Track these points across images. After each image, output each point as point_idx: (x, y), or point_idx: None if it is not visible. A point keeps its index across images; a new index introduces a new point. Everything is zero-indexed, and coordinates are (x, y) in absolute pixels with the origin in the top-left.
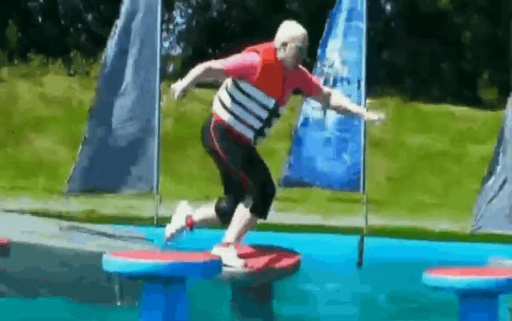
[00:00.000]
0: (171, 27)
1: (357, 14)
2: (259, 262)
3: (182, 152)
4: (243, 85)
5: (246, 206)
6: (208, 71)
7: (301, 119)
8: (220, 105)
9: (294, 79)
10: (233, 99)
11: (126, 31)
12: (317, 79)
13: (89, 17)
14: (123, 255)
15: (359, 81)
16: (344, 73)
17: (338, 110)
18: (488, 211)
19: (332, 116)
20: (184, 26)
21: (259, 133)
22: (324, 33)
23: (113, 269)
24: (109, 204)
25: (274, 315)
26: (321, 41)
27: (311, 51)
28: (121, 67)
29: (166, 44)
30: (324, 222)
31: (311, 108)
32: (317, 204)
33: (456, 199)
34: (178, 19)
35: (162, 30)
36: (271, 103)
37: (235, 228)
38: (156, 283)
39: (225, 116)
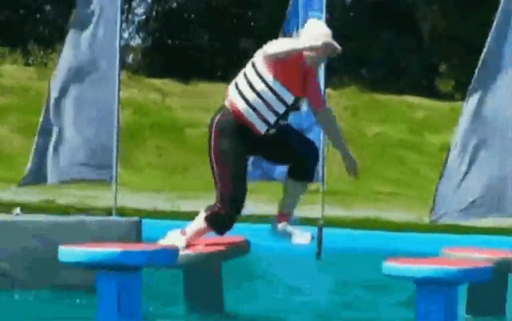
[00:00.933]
0: (130, 17)
1: (317, 3)
2: (206, 245)
3: (140, 143)
4: (265, 75)
5: (205, 211)
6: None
7: None
8: (237, 92)
9: (307, 75)
10: (252, 88)
11: (85, 20)
12: (318, 89)
13: (48, 7)
14: (78, 246)
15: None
16: None
17: (323, 130)
18: (447, 202)
19: None
20: (143, 16)
21: (273, 126)
22: (284, 23)
23: (68, 260)
24: (67, 194)
25: (224, 299)
26: (281, 30)
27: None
28: (79, 57)
29: (126, 34)
30: None
31: None
32: (277, 195)
33: (415, 189)
34: (138, 10)
35: (121, 20)
36: (290, 99)
37: (193, 227)
38: (109, 273)
39: (240, 104)
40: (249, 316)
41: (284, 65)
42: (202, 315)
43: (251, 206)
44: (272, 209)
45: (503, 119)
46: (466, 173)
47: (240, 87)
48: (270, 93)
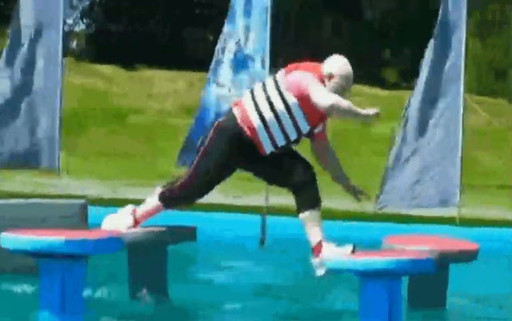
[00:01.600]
0: (75, 2)
1: None
2: (154, 227)
3: (85, 129)
4: (288, 97)
5: (162, 187)
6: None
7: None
8: (253, 105)
9: None
10: (271, 106)
11: (30, 6)
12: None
13: None
14: (19, 233)
15: (263, 60)
16: (248, 51)
17: (323, 161)
18: (391, 191)
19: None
20: (87, 2)
21: (279, 149)
22: (229, 9)
23: (11, 247)
24: (10, 180)
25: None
26: (226, 17)
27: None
28: (24, 43)
29: (70, 20)
30: (227, 201)
31: (216, 86)
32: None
33: (360, 177)
34: None
35: (65, 6)
36: (305, 129)
37: (143, 207)
38: (51, 261)
39: (255, 119)
40: (191, 300)
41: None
42: (146, 299)
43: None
44: (215, 198)
45: (444, 107)
46: (410, 163)
47: (258, 102)
48: (288, 117)
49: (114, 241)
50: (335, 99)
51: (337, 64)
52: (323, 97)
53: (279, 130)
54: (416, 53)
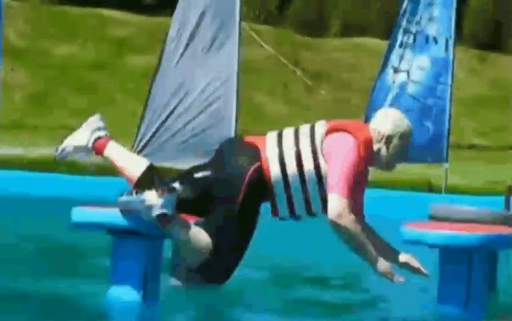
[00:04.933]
0: None
1: None
2: None
3: None
4: (321, 156)
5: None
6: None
7: None
8: (278, 153)
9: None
10: (298, 161)
11: None
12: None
13: None
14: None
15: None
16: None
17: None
18: (151, 139)
19: None
20: None
21: (293, 218)
22: None
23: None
24: None
25: None
26: None
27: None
28: None
29: None
30: None
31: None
32: None
33: (112, 122)
34: None
35: None
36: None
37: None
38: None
39: (274, 170)
40: None
41: None
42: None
43: None
44: None
45: None
46: (172, 110)
47: (285, 150)
48: (316, 180)
49: None
50: (350, 219)
51: (392, 121)
52: (337, 199)
53: (301, 192)
54: None
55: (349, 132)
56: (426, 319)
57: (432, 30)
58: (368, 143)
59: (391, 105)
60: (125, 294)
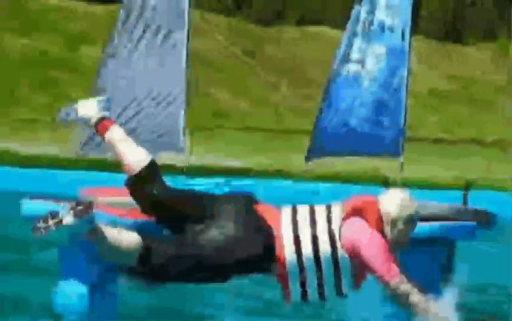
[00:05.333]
0: None
1: None
2: None
3: None
4: (338, 241)
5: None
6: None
7: None
8: (291, 232)
9: None
10: (314, 244)
11: None
12: None
13: None
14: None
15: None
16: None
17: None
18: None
19: None
20: None
21: (305, 298)
22: None
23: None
24: None
25: None
26: None
27: None
28: None
29: None
30: None
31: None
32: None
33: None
34: None
35: None
36: (346, 290)
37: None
38: None
39: (288, 250)
40: None
41: None
42: None
43: None
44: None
45: None
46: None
47: (299, 230)
48: (331, 266)
49: None
50: (406, 285)
51: (397, 203)
52: (396, 284)
53: (314, 276)
54: None
55: (363, 216)
56: None
57: (388, 19)
58: (378, 222)
59: (345, 97)
60: (75, 288)
